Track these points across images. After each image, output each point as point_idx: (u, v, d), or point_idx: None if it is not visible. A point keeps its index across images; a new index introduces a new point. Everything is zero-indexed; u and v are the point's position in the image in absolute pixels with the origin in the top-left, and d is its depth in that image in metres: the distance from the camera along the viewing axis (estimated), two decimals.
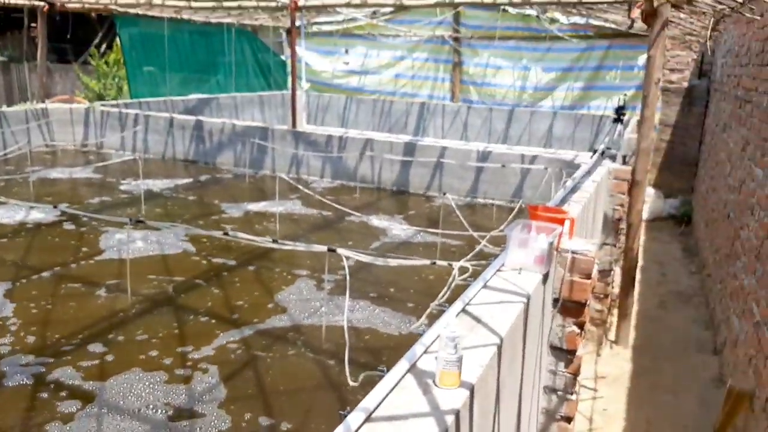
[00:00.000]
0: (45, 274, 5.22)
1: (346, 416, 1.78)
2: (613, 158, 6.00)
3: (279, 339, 4.26)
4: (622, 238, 5.87)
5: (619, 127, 7.05)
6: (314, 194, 7.65)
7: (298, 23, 10.49)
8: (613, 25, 10.55)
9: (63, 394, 3.43)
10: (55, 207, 6.09)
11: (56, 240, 6.25)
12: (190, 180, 9.34)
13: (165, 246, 6.10)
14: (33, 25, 11.82)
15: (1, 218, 6.84)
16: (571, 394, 3.22)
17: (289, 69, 13.99)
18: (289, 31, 11.59)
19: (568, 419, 3.24)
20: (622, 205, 5.62)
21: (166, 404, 3.41)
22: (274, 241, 4.38)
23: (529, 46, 11.95)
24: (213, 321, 4.47)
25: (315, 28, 13.83)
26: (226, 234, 4.51)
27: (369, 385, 1.90)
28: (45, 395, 3.43)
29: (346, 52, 14.13)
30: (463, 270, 3.47)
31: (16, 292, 4.78)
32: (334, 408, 3.45)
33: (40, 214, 7.05)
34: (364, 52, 13.96)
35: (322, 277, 5.30)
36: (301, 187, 8.01)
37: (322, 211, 7.72)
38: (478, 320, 2.52)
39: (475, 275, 3.18)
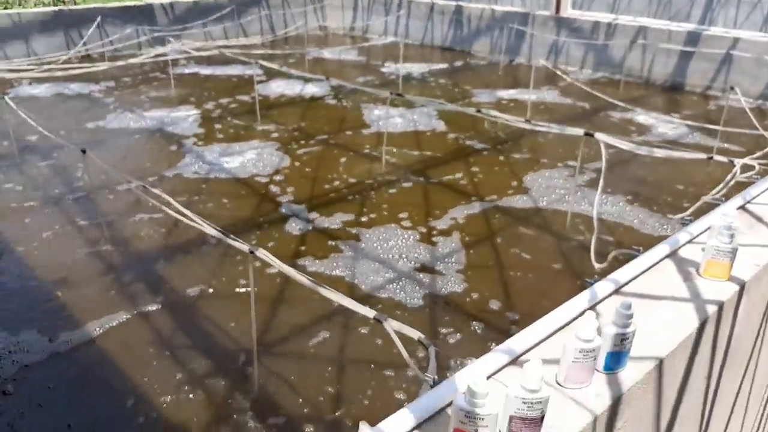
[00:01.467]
0: (317, 138, 5.87)
1: (593, 284, 1.69)
2: None
3: (518, 219, 4.24)
4: None
5: None
6: (574, 82, 7.17)
7: None
8: None
9: (327, 238, 3.91)
10: (327, 79, 6.70)
11: (326, 111, 6.94)
12: (445, 65, 9.44)
13: (419, 124, 6.36)
14: None
15: (283, 89, 7.80)
16: None
17: None
18: None
19: None
20: None
21: (412, 258, 3.69)
22: (527, 121, 4.24)
23: None
24: (457, 194, 4.61)
25: None
26: (478, 111, 4.50)
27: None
28: (312, 236, 3.95)
29: None
30: (746, 167, 2.98)
31: (291, 153, 5.47)
32: (572, 289, 3.37)
33: (314, 88, 7.86)
34: None
35: (571, 164, 5.05)
36: (559, 72, 7.57)
37: (579, 101, 7.24)
38: (759, 219, 2.17)
39: (763, 174, 2.71)
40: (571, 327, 1.54)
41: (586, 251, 3.43)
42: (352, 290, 3.37)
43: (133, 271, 3.53)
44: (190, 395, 2.56)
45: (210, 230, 2.21)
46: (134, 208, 4.29)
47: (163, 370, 2.72)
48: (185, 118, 6.43)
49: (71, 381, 2.63)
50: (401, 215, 4.22)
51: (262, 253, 1.97)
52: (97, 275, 3.46)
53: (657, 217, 4.26)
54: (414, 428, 1.21)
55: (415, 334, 1.46)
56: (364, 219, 4.16)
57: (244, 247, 2.03)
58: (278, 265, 1.89)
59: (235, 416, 2.46)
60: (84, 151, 3.71)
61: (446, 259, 3.67)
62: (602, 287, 1.68)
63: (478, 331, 3.06)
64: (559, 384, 1.34)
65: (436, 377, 1.28)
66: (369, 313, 1.58)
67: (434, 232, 4.01)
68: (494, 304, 3.27)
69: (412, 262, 3.64)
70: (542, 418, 1.17)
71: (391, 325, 1.51)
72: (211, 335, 2.97)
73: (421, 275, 3.52)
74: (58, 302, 3.18)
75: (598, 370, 1.38)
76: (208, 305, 3.22)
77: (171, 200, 2.58)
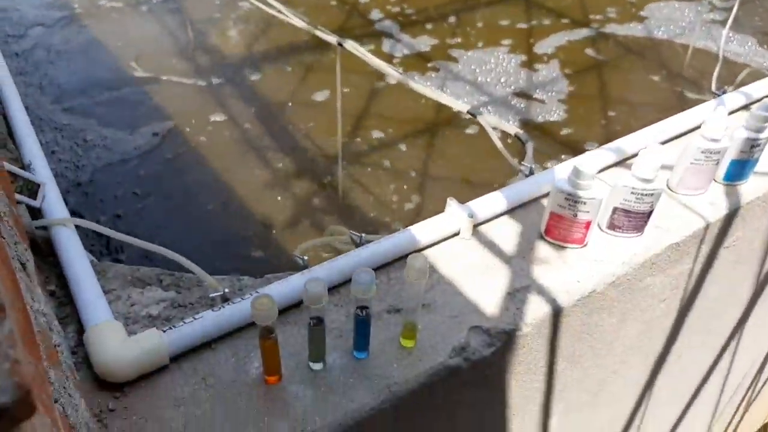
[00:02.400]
0: None
1: (721, 95, 1.49)
2: None
3: (630, 52, 3.84)
4: None
5: None
6: None
7: None
8: None
9: (422, 60, 3.71)
10: None
11: None
12: None
13: None
14: None
15: None
16: None
17: None
18: None
19: None
20: None
21: (508, 83, 3.48)
22: None
23: None
24: (563, 20, 4.20)
25: None
26: None
27: None
28: (404, 56, 3.77)
29: None
30: None
31: None
32: None
33: None
34: None
35: None
36: None
37: None
38: None
39: None
40: (690, 134, 1.38)
41: (706, 91, 3.08)
42: (442, 111, 3.25)
43: (222, 74, 3.53)
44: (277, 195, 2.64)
45: (299, 23, 2.10)
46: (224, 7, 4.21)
47: (251, 164, 2.80)
48: None
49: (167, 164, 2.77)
50: (502, 39, 3.92)
51: (350, 45, 1.86)
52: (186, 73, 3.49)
53: None
54: (505, 212, 1.15)
55: (512, 129, 1.35)
56: (463, 41, 3.90)
57: (332, 38, 1.93)
58: (367, 57, 1.79)
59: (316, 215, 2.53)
60: None
61: (546, 86, 3.43)
62: (732, 99, 1.48)
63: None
64: (670, 189, 1.23)
65: (533, 166, 1.19)
66: (463, 107, 1.47)
67: (535, 58, 3.72)
68: (590, 146, 3.07)
69: (510, 87, 3.44)
70: (649, 214, 1.07)
71: (487, 120, 1.40)
72: (298, 139, 2.99)
73: (517, 101, 3.33)
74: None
75: (716, 180, 1.25)
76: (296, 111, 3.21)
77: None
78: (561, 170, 1.16)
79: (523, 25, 4.13)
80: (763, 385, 2.15)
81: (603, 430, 1.49)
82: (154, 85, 3.41)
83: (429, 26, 4.09)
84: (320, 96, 3.32)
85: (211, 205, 2.60)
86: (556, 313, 0.99)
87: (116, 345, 0.83)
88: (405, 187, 2.74)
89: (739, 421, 2.23)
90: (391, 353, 0.89)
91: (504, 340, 0.94)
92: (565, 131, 3.14)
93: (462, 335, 0.92)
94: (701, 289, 1.31)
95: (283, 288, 0.93)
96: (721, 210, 1.19)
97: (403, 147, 2.96)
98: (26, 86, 3.22)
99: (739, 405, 2.13)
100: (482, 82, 3.46)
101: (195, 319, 0.87)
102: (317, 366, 0.86)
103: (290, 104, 3.25)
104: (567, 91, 3.42)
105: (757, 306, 1.57)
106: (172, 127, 3.04)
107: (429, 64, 3.64)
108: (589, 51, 3.84)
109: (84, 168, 2.71)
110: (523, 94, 3.38)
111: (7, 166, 1.04)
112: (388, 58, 3.67)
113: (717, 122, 1.11)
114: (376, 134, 3.06)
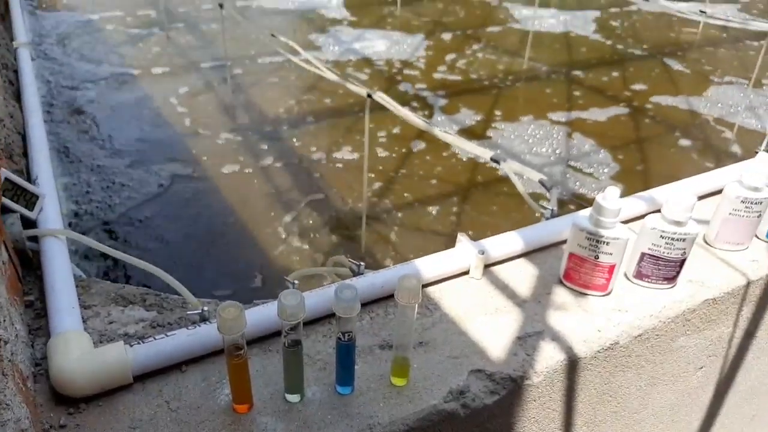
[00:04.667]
0: (456, 32, 5.55)
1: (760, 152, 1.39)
2: None
3: (671, 127, 3.77)
4: None
5: None
6: None
7: None
8: None
9: (457, 128, 3.72)
10: None
11: (473, 8, 6.53)
12: None
13: (571, 26, 5.80)
14: None
15: None
16: None
17: None
18: None
19: None
20: None
21: (550, 152, 3.44)
22: (702, 13, 3.67)
23: None
24: (603, 96, 4.19)
25: None
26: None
27: None
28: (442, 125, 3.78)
29: None
30: None
31: (429, 41, 5.23)
32: None
33: None
34: None
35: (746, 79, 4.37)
36: None
37: None
38: None
39: None
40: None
41: None
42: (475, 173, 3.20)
43: (257, 130, 3.60)
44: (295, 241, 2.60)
45: (332, 76, 2.12)
46: (270, 73, 4.35)
47: (278, 214, 2.78)
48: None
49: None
50: (544, 111, 3.92)
51: (378, 96, 1.85)
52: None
53: None
54: (521, 254, 1.06)
55: (535, 175, 1.28)
56: (501, 114, 3.91)
57: (362, 91, 1.93)
58: (394, 107, 1.77)
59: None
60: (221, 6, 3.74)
61: (593, 164, 3.36)
62: None
63: None
64: (707, 243, 1.12)
65: (554, 209, 1.10)
66: (486, 154, 1.41)
67: (576, 131, 3.68)
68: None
69: (554, 155, 3.39)
70: (682, 263, 0.96)
71: (511, 167, 1.33)
72: (328, 194, 2.97)
73: (565, 171, 3.27)
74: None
75: (758, 237, 1.13)
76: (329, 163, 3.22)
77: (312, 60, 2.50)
78: (585, 212, 1.08)
79: (564, 101, 4.13)
80: None
81: None
82: (193, 138, 3.49)
83: (468, 98, 4.13)
84: (353, 155, 3.34)
85: (228, 249, 2.58)
86: (573, 364, 0.87)
87: (77, 356, 0.75)
88: (432, 247, 2.66)
89: None
90: (378, 391, 0.79)
91: (510, 388, 0.82)
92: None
93: (461, 378, 0.81)
94: (744, 360, 1.16)
95: (266, 311, 0.85)
96: (764, 268, 1.07)
97: (432, 208, 2.91)
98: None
99: None
100: (520, 151, 3.43)
101: (167, 336, 0.80)
102: (294, 398, 0.77)
103: (323, 161, 3.27)
104: (612, 166, 3.35)
105: None
106: (201, 174, 3.08)
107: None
108: (632, 126, 3.78)
109: (114, 205, 2.75)
110: (571, 166, 3.33)
111: (5, 173, 1.02)
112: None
113: (758, 169, 1.02)
114: (406, 194, 3.03)
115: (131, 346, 0.78)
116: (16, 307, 0.83)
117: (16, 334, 0.75)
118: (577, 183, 3.18)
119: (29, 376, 0.76)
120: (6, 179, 1.03)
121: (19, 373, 0.70)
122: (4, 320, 0.70)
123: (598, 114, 3.91)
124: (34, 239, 1.02)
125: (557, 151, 3.47)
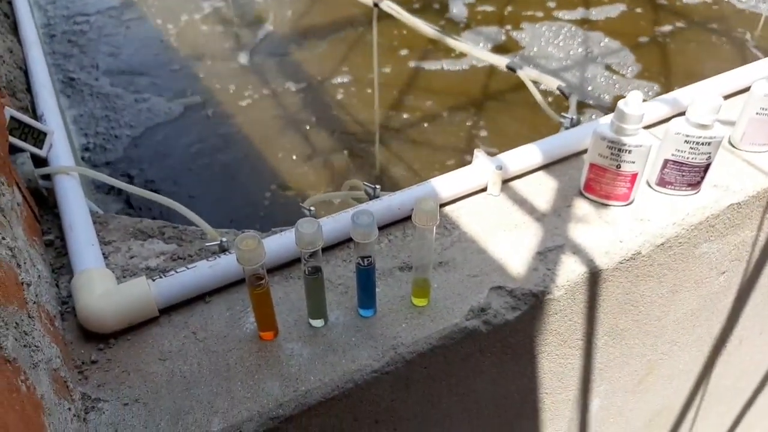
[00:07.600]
0: None
1: None
2: None
3: (691, 22, 3.59)
4: None
5: None
6: None
7: None
8: None
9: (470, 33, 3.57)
10: None
11: None
12: None
13: None
14: None
15: None
16: None
17: None
18: None
19: None
20: None
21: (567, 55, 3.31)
22: None
23: None
24: None
25: None
26: None
27: None
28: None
29: None
30: None
31: None
32: None
33: None
34: None
35: None
36: None
37: None
38: None
39: None
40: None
41: None
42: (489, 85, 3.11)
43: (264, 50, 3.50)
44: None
45: None
46: None
47: (289, 137, 2.75)
48: None
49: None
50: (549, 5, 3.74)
51: (386, 5, 1.77)
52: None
53: None
54: (540, 167, 1.03)
55: (553, 82, 1.22)
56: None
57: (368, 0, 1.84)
58: (404, 17, 1.68)
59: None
60: None
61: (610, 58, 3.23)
62: None
63: None
64: (732, 145, 1.08)
65: (574, 117, 1.06)
66: (502, 62, 1.35)
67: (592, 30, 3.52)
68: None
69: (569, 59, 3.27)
70: (706, 168, 0.93)
71: (527, 73, 1.28)
72: (338, 113, 2.92)
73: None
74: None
75: None
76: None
77: None
78: (605, 119, 1.04)
79: None
80: None
81: (650, 421, 1.35)
82: (197, 63, 3.40)
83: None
84: (361, 71, 3.24)
85: (242, 174, 2.58)
86: (594, 277, 0.87)
87: (101, 293, 0.76)
88: (448, 162, 2.63)
89: None
90: (400, 312, 0.79)
91: (531, 303, 0.83)
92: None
93: (482, 296, 0.81)
94: (767, 262, 1.15)
95: (284, 239, 0.84)
96: None
97: (447, 121, 2.85)
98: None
99: None
100: (537, 54, 3.30)
101: (188, 268, 0.80)
102: (318, 323, 0.78)
103: (329, 79, 3.18)
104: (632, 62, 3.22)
105: None
106: (210, 100, 3.03)
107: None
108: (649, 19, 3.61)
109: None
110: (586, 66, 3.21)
111: (10, 111, 1.00)
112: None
113: None
114: (419, 107, 2.96)
115: (154, 280, 0.79)
116: (36, 248, 0.83)
117: (38, 275, 0.76)
118: (599, 86, 3.07)
119: (56, 315, 0.78)
120: (12, 118, 1.01)
121: (45, 313, 0.71)
122: (25, 263, 0.70)
123: (609, 10, 3.73)
124: (48, 177, 1.02)
125: (578, 51, 3.33)
